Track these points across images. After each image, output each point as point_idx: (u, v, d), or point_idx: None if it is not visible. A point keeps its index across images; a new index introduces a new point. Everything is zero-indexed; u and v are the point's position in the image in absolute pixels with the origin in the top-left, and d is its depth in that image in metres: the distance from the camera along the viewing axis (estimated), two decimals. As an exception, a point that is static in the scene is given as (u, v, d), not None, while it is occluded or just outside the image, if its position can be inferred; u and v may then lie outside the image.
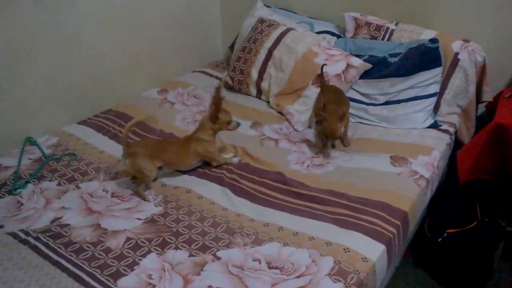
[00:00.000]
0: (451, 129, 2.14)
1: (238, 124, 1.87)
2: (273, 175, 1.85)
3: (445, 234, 2.01)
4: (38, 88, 2.10)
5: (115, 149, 2.01)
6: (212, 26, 3.02)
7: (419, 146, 1.99)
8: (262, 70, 2.40)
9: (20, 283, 1.35)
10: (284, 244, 1.50)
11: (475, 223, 2.01)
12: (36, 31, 2.04)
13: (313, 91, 2.23)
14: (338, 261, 1.42)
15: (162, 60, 2.71)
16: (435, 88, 2.12)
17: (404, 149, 1.97)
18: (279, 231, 1.57)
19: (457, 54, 2.14)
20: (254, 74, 2.42)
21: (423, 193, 1.80)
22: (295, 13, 2.69)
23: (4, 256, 1.44)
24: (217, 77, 2.70)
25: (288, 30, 2.41)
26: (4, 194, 1.73)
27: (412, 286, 2.11)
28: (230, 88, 2.54)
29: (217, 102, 1.79)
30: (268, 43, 2.40)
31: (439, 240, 2.01)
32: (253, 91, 2.45)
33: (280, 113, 2.31)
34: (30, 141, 2.03)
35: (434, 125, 2.13)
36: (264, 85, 2.39)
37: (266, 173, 1.86)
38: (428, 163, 1.89)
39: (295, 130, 2.18)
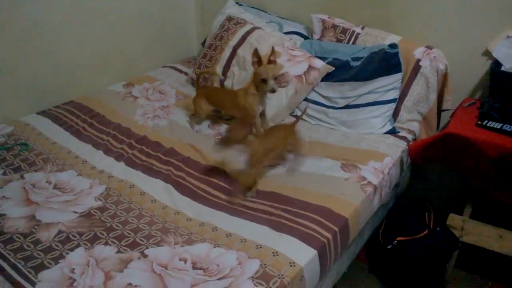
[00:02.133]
0: (410, 136, 2.11)
1: (273, 90, 1.88)
2: (220, 175, 1.84)
3: (395, 241, 1.99)
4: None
5: (67, 141, 2.01)
6: (187, 22, 3.00)
7: (372, 152, 1.97)
8: (226, 68, 2.38)
9: None
10: (215, 245, 1.49)
11: (426, 232, 1.98)
12: (2, 15, 2.03)
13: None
14: (264, 264, 1.40)
15: (133, 55, 2.70)
16: (394, 94, 2.10)
17: (357, 155, 1.95)
18: (213, 231, 1.55)
19: (419, 60, 2.11)
20: (219, 71, 2.40)
21: (369, 200, 1.78)
22: (267, 12, 2.67)
23: None
24: (185, 73, 2.69)
25: (254, 29, 2.39)
26: None
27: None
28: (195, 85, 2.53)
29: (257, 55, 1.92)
30: (233, 41, 2.38)
31: (389, 247, 1.99)
32: (217, 88, 2.43)
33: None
34: (-17, 130, 2.03)
35: (392, 131, 2.10)
36: (228, 83, 2.38)
37: (213, 173, 1.84)
38: (378, 170, 1.87)
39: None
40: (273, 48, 1.94)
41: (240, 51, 2.35)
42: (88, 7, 2.38)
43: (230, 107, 2.11)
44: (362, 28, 2.30)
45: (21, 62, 2.17)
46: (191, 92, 2.45)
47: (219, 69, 2.41)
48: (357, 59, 2.16)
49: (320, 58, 2.25)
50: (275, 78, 1.91)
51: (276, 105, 2.20)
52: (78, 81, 2.44)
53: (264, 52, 2.26)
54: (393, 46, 2.04)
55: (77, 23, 2.36)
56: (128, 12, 2.58)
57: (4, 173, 1.80)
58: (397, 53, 2.03)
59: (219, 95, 2.19)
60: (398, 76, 2.07)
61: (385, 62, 2.05)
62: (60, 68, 2.34)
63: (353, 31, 2.30)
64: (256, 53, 1.92)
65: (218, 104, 2.16)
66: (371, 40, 2.24)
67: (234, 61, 2.36)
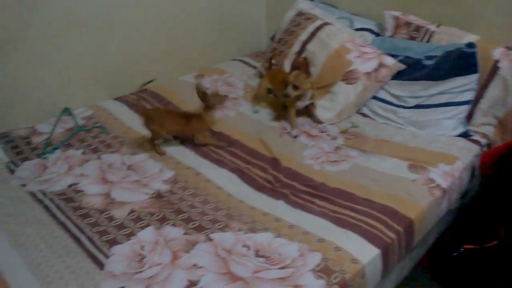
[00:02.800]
0: (483, 141, 2.01)
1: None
2: (285, 168, 1.86)
3: (462, 249, 1.91)
4: (81, 62, 2.25)
5: (141, 127, 2.11)
6: (257, 17, 3.04)
7: (443, 154, 1.90)
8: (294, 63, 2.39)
9: (27, 237, 1.48)
10: (277, 235, 1.51)
11: (495, 241, 1.89)
12: (82, 8, 2.18)
13: (341, 88, 2.20)
14: (326, 258, 1.41)
15: (204, 47, 2.78)
16: (469, 96, 2.01)
17: (426, 156, 1.89)
18: (276, 221, 1.58)
19: (497, 61, 2.00)
20: (287, 65, 2.42)
21: (437, 203, 1.72)
22: (337, 8, 2.65)
23: (19, 212, 1.58)
24: (254, 67, 2.73)
25: (324, 24, 2.38)
26: (33, 157, 1.89)
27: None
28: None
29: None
30: (303, 36, 2.39)
31: (454, 254, 1.92)
32: (285, 83, 2.45)
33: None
34: (68, 111, 2.18)
35: (465, 135, 2.01)
36: (291, 78, 2.39)
37: (279, 166, 1.87)
38: (449, 173, 1.80)
39: (316, 126, 2.16)
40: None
41: (309, 46, 2.35)
42: (163, 2, 2.48)
43: (279, 87, 2.17)
44: (438, 26, 2.22)
45: (101, 52, 2.32)
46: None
47: (287, 63, 2.42)
48: (430, 57, 2.10)
49: (391, 55, 2.21)
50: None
51: (343, 101, 2.18)
52: (152, 71, 2.55)
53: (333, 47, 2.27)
54: (470, 45, 1.96)
55: (153, 16, 2.47)
56: (201, 5, 2.66)
57: (83, 153, 1.93)
58: (474, 53, 1.95)
59: (277, 75, 2.27)
60: (474, 77, 1.98)
61: (461, 62, 1.97)
62: (136, 58, 2.47)
63: (428, 29, 2.23)
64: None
65: (273, 84, 2.25)
66: (446, 38, 2.16)
67: (302, 56, 2.36)
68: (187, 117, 1.99)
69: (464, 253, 1.92)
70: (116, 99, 2.36)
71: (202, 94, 1.95)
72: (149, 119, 1.95)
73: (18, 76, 2.04)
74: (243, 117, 2.25)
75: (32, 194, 1.67)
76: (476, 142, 1.99)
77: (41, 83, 2.14)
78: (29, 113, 2.12)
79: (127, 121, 2.18)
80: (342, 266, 1.38)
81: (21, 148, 1.93)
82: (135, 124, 2.15)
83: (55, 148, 1.93)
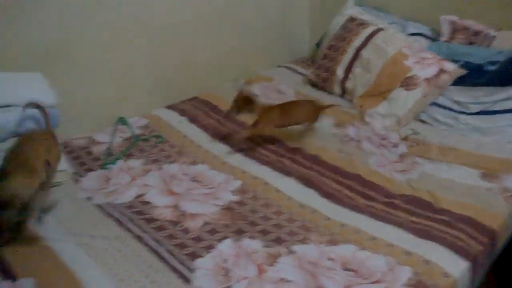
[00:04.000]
0: (552, 147, 1.97)
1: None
2: (353, 176, 1.82)
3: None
4: (134, 71, 2.23)
5: (196, 135, 2.09)
6: (300, 23, 3.01)
7: (514, 162, 1.86)
8: (348, 70, 2.36)
9: (104, 251, 1.44)
10: (360, 247, 1.47)
11: None
12: (140, 15, 2.17)
13: (400, 95, 2.16)
14: (417, 272, 1.36)
15: (248, 54, 2.76)
16: (536, 102, 1.96)
17: (497, 164, 1.84)
18: (355, 233, 1.53)
19: None
20: (340, 73, 2.39)
21: (515, 213, 1.68)
22: (387, 13, 2.61)
23: (91, 226, 1.55)
24: (301, 74, 2.70)
25: (378, 30, 2.34)
26: (96, 168, 1.86)
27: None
28: (314, 86, 2.54)
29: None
30: (357, 42, 2.36)
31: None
32: (337, 90, 2.42)
33: (362, 114, 2.26)
34: (122, 121, 2.15)
35: (534, 141, 1.97)
36: (349, 84, 2.35)
37: (346, 174, 1.83)
38: (523, 181, 1.76)
39: (376, 133, 2.12)
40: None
41: (363, 53, 2.32)
42: (209, 12, 2.47)
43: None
44: (497, 31, 2.18)
45: (156, 59, 2.30)
46: (310, 92, 2.46)
47: (340, 70, 2.39)
48: (492, 63, 2.06)
49: (450, 61, 2.17)
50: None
51: (402, 108, 2.14)
52: (201, 79, 2.53)
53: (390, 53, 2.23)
54: (539, 49, 1.92)
55: (205, 27, 2.47)
56: (244, 13, 2.65)
57: (144, 163, 1.90)
58: (542, 58, 1.91)
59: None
60: (541, 82, 1.94)
61: (528, 67, 1.93)
62: (186, 67, 2.44)
63: (487, 34, 2.19)
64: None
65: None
66: (508, 43, 2.12)
67: (357, 63, 2.33)
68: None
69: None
70: (168, 107, 2.33)
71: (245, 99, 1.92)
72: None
73: (74, 85, 2.02)
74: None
75: (100, 207, 1.64)
76: (546, 149, 1.95)
77: (97, 92, 2.12)
78: (85, 123, 2.10)
79: (182, 129, 2.15)
80: (434, 280, 1.34)
81: (83, 159, 1.90)
82: (190, 133, 2.12)
83: (117, 159, 1.89)
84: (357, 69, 2.33)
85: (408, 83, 2.15)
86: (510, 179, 1.75)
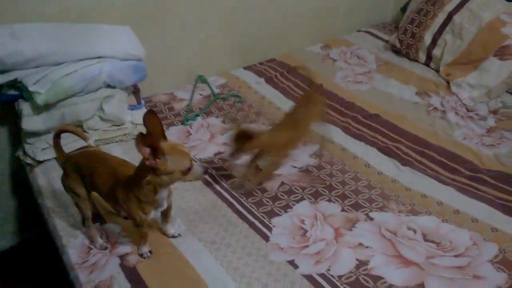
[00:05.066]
0: None
1: (205, 172, 1.18)
2: (436, 147, 1.75)
3: None
4: (215, 31, 2.23)
5: (275, 97, 2.08)
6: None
7: None
8: (437, 35, 2.22)
9: (186, 203, 1.50)
10: (443, 220, 1.42)
11: None
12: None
13: (493, 64, 2.01)
14: (504, 250, 1.30)
15: (329, 18, 2.66)
16: None
17: None
18: (438, 205, 1.48)
19: None
20: (427, 38, 2.26)
21: None
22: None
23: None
24: (382, 39, 2.58)
25: (474, -7, 2.18)
26: (177, 123, 1.91)
27: None
28: (396, 52, 2.43)
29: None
30: (449, 7, 2.21)
31: None
32: (422, 57, 2.30)
33: (448, 83, 2.14)
34: (202, 79, 2.19)
35: None
36: (436, 51, 2.22)
37: (429, 144, 1.76)
38: None
39: (463, 104, 2.00)
40: None
41: (456, 18, 2.16)
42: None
43: None
44: None
45: (237, 20, 2.28)
46: (391, 58, 2.37)
47: (428, 36, 2.26)
48: None
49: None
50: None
51: (494, 79, 2.00)
52: (280, 41, 2.49)
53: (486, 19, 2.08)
54: None
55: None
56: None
57: (223, 121, 1.93)
58: None
59: None
60: None
61: None
62: (265, 29, 2.41)
63: None
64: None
65: None
66: None
67: (448, 28, 2.19)
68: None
69: None
70: (245, 68, 2.33)
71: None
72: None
73: (160, 44, 2.06)
74: (377, 91, 2.14)
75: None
76: None
77: (180, 51, 2.16)
78: (167, 80, 2.15)
79: (260, 90, 2.15)
80: (523, 260, 1.28)
81: (165, 114, 1.97)
82: (269, 93, 2.11)
83: (197, 116, 1.94)
84: (447, 35, 2.19)
85: (503, 52, 1.99)
86: None
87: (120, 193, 1.18)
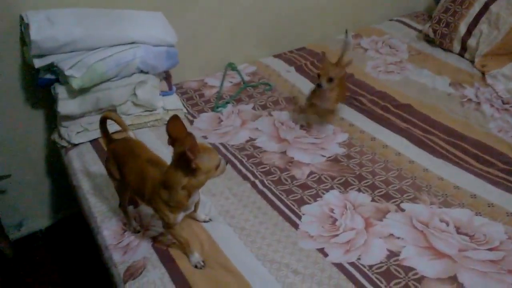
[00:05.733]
0: None
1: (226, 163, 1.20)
2: (470, 139, 1.71)
3: None
4: (245, 18, 2.22)
5: (304, 85, 2.06)
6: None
7: None
8: (472, 25, 2.17)
9: (216, 188, 1.51)
10: (476, 213, 1.40)
11: None
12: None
13: (532, 56, 1.96)
14: (539, 245, 1.28)
15: (359, 6, 2.62)
16: None
17: None
18: (471, 197, 1.46)
19: None
20: (462, 28, 2.20)
21: None
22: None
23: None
24: (415, 29, 2.53)
25: (514, -18, 2.11)
26: (208, 110, 1.92)
27: None
28: (429, 42, 2.38)
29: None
30: (487, -5, 2.14)
31: None
32: (457, 47, 2.24)
33: (484, 74, 2.09)
34: (232, 67, 2.19)
35: None
36: (471, 42, 2.17)
37: (462, 136, 1.73)
38: None
39: (499, 96, 1.95)
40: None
41: (493, 7, 2.11)
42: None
43: None
44: None
45: (262, 9, 2.26)
46: (424, 48, 2.32)
47: (463, 26, 2.20)
48: None
49: None
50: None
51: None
52: (309, 29, 2.47)
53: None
54: None
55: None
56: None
57: (254, 108, 1.93)
58: None
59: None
60: None
61: None
62: (295, 16, 2.39)
63: None
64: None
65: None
66: None
67: (484, 18, 2.13)
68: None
69: None
70: (275, 56, 2.32)
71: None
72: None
73: (191, 30, 2.07)
74: (409, 81, 2.10)
75: (215, 146, 1.71)
76: None
77: (210, 38, 2.16)
78: (197, 67, 2.16)
79: (289, 78, 2.14)
80: (559, 256, 1.25)
81: (196, 100, 1.98)
82: (299, 82, 2.10)
83: (227, 103, 1.95)
84: (483, 25, 2.13)
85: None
86: None
87: (148, 194, 1.18)
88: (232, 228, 1.36)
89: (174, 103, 1.85)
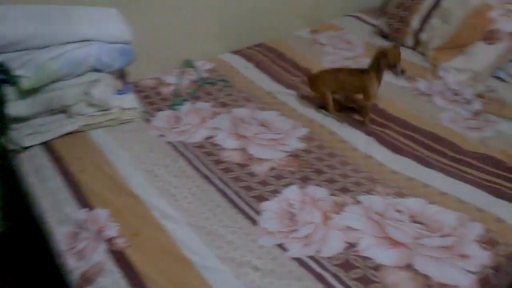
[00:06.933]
0: None
1: (403, 71, 1.68)
2: (423, 130, 1.76)
3: None
4: (204, 15, 2.21)
5: (263, 81, 2.07)
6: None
7: None
8: (424, 20, 2.23)
9: (174, 188, 1.49)
10: (429, 202, 1.44)
11: None
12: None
13: (480, 49, 2.03)
14: (489, 229, 1.33)
15: (317, 2, 2.65)
16: None
17: None
18: (424, 188, 1.50)
19: None
20: (415, 23, 2.26)
21: None
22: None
23: (162, 162, 1.60)
24: (371, 24, 2.58)
25: (461, -22, 2.18)
26: (165, 108, 1.90)
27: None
28: (385, 37, 2.43)
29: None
30: (437, -9, 2.21)
31: None
32: (410, 41, 2.30)
33: (435, 67, 2.15)
34: (189, 63, 2.17)
35: None
36: (424, 36, 2.23)
37: (415, 128, 1.78)
38: None
39: (450, 88, 2.02)
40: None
41: (444, 2, 2.17)
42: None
43: (351, 88, 1.82)
44: None
45: (220, 6, 2.26)
46: (380, 43, 2.36)
47: (416, 20, 2.26)
48: None
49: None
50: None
51: (480, 63, 2.02)
52: (267, 25, 2.48)
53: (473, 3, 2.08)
54: None
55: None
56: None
57: (213, 106, 1.92)
58: None
59: (336, 75, 1.83)
60: None
61: None
62: (253, 12, 2.39)
63: None
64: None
65: (336, 87, 1.85)
66: None
67: (435, 12, 2.19)
68: (353, 73, 1.80)
69: None
70: (234, 52, 2.32)
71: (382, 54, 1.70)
72: (313, 82, 1.88)
73: (147, 27, 2.03)
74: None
75: (172, 145, 1.69)
76: None
77: (167, 35, 2.13)
78: (154, 64, 2.13)
79: (248, 74, 2.14)
80: (507, 239, 1.30)
81: (152, 98, 1.95)
82: (257, 78, 2.10)
83: (185, 100, 1.92)
84: (434, 20, 2.20)
85: (490, 36, 2.00)
86: None
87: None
88: (192, 228, 1.35)
89: (130, 102, 1.81)
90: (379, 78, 1.75)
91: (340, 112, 1.87)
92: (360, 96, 1.84)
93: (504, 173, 1.55)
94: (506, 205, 1.42)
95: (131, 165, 1.59)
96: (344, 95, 1.93)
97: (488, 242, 1.29)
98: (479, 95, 1.97)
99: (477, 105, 1.92)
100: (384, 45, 1.76)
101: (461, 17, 2.10)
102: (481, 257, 1.25)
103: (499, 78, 2.07)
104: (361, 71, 1.77)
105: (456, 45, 2.10)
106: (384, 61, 1.69)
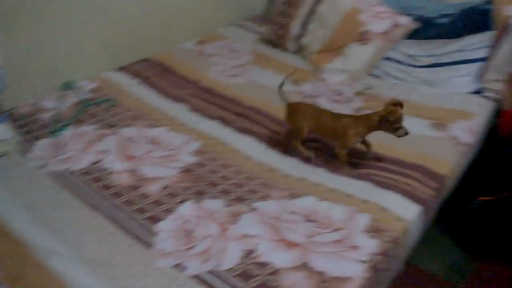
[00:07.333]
0: (496, 96, 2.06)
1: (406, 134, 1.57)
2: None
3: (477, 201, 1.97)
4: (84, 32, 2.10)
5: (150, 97, 2.03)
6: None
7: (461, 111, 1.93)
8: (304, 25, 2.34)
9: (59, 222, 1.39)
10: (320, 199, 1.51)
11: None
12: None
13: (354, 49, 2.18)
14: (374, 218, 1.42)
15: (202, 13, 2.66)
16: (483, 53, 2.03)
17: (445, 114, 1.91)
18: (314, 186, 1.57)
19: (509, 17, 2.03)
20: (295, 29, 2.36)
21: (463, 159, 1.76)
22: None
23: (43, 196, 1.50)
24: (256, 32, 2.65)
25: (333, -16, 2.32)
26: (45, 136, 1.77)
27: (436, 253, 2.07)
28: (269, 43, 2.51)
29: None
30: (312, -3, 2.33)
31: (469, 207, 1.98)
32: (292, 46, 2.40)
33: (317, 70, 2.27)
34: (68, 85, 2.04)
35: (478, 91, 2.05)
36: (305, 41, 2.34)
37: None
38: (470, 129, 1.84)
39: (332, 89, 2.14)
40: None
41: (320, 8, 2.30)
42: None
43: (328, 131, 1.68)
44: (448, -16, 2.22)
45: (102, 22, 2.17)
46: (266, 51, 2.43)
47: (296, 26, 2.36)
48: (444, 16, 2.10)
49: (403, 15, 2.19)
50: None
51: (356, 63, 2.16)
52: (154, 39, 2.43)
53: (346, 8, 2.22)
54: (488, 2, 1.97)
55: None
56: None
57: (98, 128, 1.83)
58: (490, 10, 1.96)
59: (319, 114, 1.69)
60: (489, 34, 2.00)
61: (477, 19, 1.99)
62: (136, 27, 2.33)
63: (438, -13, 2.22)
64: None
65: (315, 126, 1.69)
66: (459, -4, 2.16)
67: (313, 18, 2.31)
68: (336, 118, 1.66)
69: (480, 204, 1.98)
70: (118, 69, 2.23)
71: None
72: (291, 112, 1.71)
73: (23, 49, 1.88)
74: (253, 84, 2.19)
75: (53, 176, 1.57)
76: (489, 98, 2.04)
77: (45, 56, 1.98)
78: (32, 89, 1.97)
79: (134, 91, 2.07)
80: (390, 225, 1.40)
81: (30, 127, 1.80)
82: (144, 95, 2.05)
83: (66, 125, 1.81)
84: (313, 25, 2.32)
85: (362, 37, 2.16)
86: (457, 128, 1.83)
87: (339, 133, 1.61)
88: (82, 262, 1.27)
89: (3, 133, 1.66)
90: (367, 132, 1.63)
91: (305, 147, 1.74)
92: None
93: (384, 164, 1.66)
94: (387, 194, 1.52)
95: (10, 203, 1.46)
96: (318, 137, 1.78)
97: (374, 230, 1.38)
98: (358, 93, 2.11)
99: (358, 103, 2.05)
100: (390, 101, 1.61)
101: (335, 21, 2.24)
102: (370, 246, 1.33)
103: (374, 75, 2.23)
104: (346, 118, 1.64)
105: (334, 48, 2.23)
106: (388, 124, 1.56)
